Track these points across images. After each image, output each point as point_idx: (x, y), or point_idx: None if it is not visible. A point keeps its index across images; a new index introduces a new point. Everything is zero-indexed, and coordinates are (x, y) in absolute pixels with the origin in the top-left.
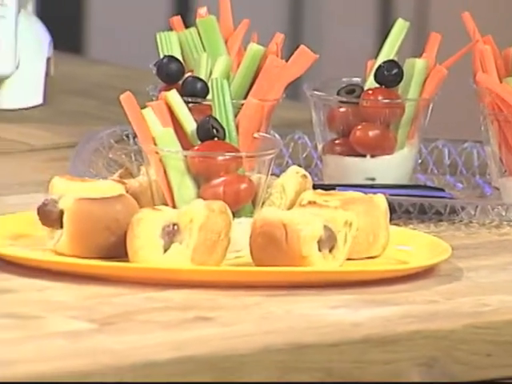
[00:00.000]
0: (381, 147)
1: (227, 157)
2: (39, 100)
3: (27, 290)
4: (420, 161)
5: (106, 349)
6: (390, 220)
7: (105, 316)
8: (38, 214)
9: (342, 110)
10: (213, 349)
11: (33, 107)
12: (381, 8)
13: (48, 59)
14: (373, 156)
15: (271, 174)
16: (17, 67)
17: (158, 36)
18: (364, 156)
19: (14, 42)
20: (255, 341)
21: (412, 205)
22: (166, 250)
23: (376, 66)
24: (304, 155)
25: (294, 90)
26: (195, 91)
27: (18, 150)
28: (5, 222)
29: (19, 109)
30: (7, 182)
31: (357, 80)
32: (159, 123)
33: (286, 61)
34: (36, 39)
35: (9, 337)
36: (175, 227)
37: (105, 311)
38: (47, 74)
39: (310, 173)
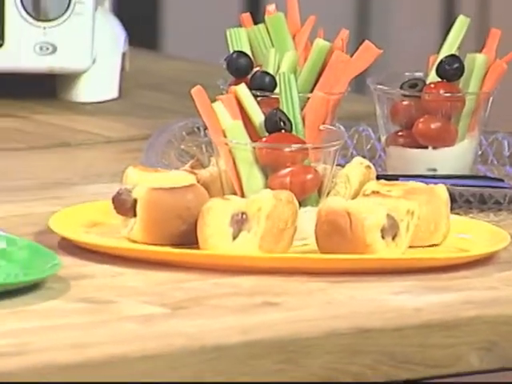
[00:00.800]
0: (442, 139)
1: (294, 148)
2: (115, 94)
3: (102, 276)
4: (480, 152)
5: (178, 332)
6: (451, 209)
7: (176, 301)
8: (113, 202)
9: (404, 103)
10: (279, 333)
11: (109, 101)
12: (444, 5)
13: (123, 54)
14: (434, 148)
15: (336, 165)
16: (93, 62)
17: (228, 32)
18: (426, 148)
19: (91, 38)
20: (320, 325)
21: (472, 195)
22: (234, 238)
23: (438, 60)
24: (368, 147)
25: (359, 84)
26: (263, 85)
27: (94, 142)
28: (82, 211)
29: (96, 102)
30: (84, 172)
31: (419, 74)
32: (229, 116)
33: (351, 56)
34: (112, 35)
35: (84, 321)
36: (244, 216)
37: (176, 296)
38: (123, 68)
39: (373, 164)
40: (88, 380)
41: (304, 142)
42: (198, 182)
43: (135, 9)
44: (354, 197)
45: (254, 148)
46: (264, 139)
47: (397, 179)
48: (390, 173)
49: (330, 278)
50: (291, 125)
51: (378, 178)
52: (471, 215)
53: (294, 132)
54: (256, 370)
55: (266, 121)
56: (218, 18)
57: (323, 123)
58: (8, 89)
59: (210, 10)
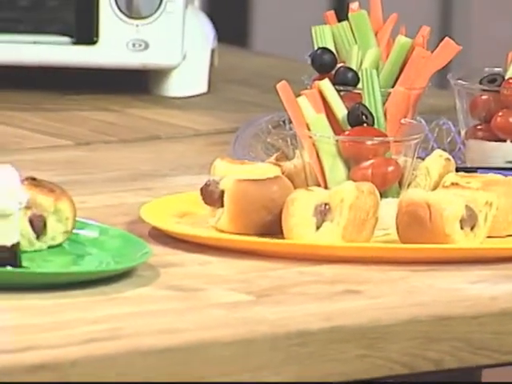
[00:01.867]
0: None
1: (376, 141)
2: (204, 88)
3: (190, 264)
4: None
5: (262, 319)
6: None
7: (261, 288)
8: (201, 193)
9: (483, 97)
10: (360, 320)
11: (198, 95)
12: None
13: (212, 51)
14: None
15: (417, 158)
16: (184, 58)
17: (313, 29)
18: (504, 141)
19: (182, 36)
20: (400, 312)
21: None
22: (318, 228)
23: None
24: (448, 140)
25: (440, 79)
26: (346, 80)
27: (184, 135)
28: (172, 201)
29: (185, 97)
30: (174, 164)
31: (498, 70)
32: (312, 110)
33: (432, 52)
34: (201, 33)
35: (174, 307)
36: (327, 206)
37: (261, 284)
38: (211, 64)
39: (453, 156)
40: (176, 364)
41: (385, 136)
42: (283, 173)
43: (226, 7)
44: (434, 188)
45: (337, 141)
46: (347, 132)
47: (475, 171)
48: (469, 165)
49: (410, 267)
50: (373, 119)
51: (458, 170)
52: None
53: (375, 126)
54: (338, 354)
55: (348, 115)
56: (305, 15)
57: (404, 117)
58: (102, 84)
59: (297, 8)
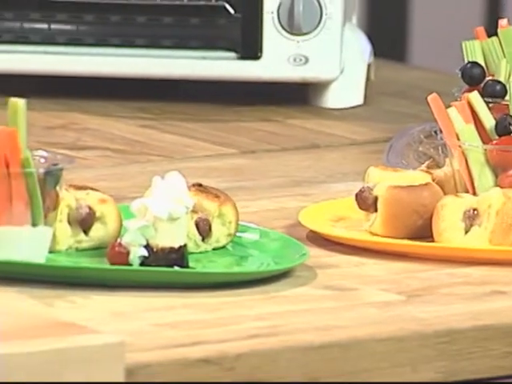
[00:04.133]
0: None
1: None
2: (360, 100)
3: (346, 266)
4: None
5: (412, 317)
6: None
7: (412, 289)
8: (356, 199)
9: None
10: (507, 319)
11: (354, 107)
12: None
13: (369, 65)
14: None
15: None
16: (341, 72)
17: (463, 44)
18: None
19: (339, 51)
20: None
21: None
22: (466, 232)
23: None
24: None
25: None
26: (495, 92)
27: (340, 144)
28: (328, 206)
29: (343, 108)
30: (331, 172)
31: None
32: (462, 120)
33: None
34: (358, 48)
35: (329, 306)
36: (475, 212)
37: (412, 285)
38: (368, 77)
39: None
40: (333, 359)
41: None
42: (434, 180)
43: (383, 24)
44: None
45: (486, 150)
46: (494, 142)
47: None
48: None
49: None
50: None
51: None
52: None
53: None
54: (485, 352)
55: (496, 125)
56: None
57: None
58: (265, 96)
59: (450, 24)
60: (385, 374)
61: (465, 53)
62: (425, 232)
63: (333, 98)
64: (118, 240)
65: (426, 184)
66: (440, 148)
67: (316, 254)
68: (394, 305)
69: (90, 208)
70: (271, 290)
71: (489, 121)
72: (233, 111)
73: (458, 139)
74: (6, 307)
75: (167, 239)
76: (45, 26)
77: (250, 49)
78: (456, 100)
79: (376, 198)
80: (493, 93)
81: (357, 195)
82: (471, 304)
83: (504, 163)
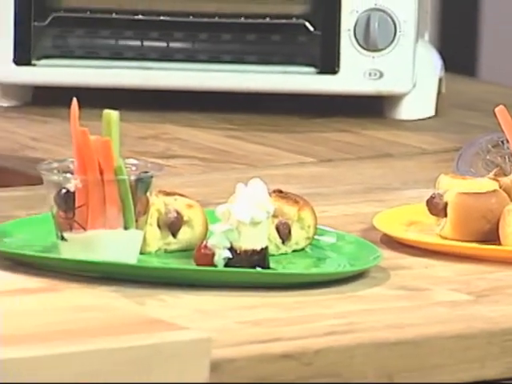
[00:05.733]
0: None
1: None
2: (432, 112)
3: (417, 267)
4: None
5: (480, 316)
6: None
7: (480, 289)
8: (427, 205)
9: None
10: None
11: (426, 118)
12: None
13: (440, 79)
14: None
15: None
16: (414, 86)
17: None
18: None
19: (412, 66)
20: None
21: None
22: None
23: None
24: None
25: None
26: None
27: (413, 153)
28: (401, 212)
29: (415, 120)
30: (404, 179)
31: None
32: None
33: None
34: (430, 63)
35: (402, 305)
36: None
37: (480, 285)
38: (439, 91)
39: None
40: (405, 356)
41: None
42: (501, 187)
43: (455, 41)
44: None
45: None
46: None
47: None
48: None
49: None
50: None
51: None
52: None
53: None
54: None
55: None
56: None
57: None
58: (342, 109)
59: None
60: (453, 370)
61: None
62: (492, 236)
63: (406, 110)
64: (204, 242)
65: (494, 191)
66: (507, 157)
67: (389, 256)
68: (462, 304)
69: (178, 212)
70: (347, 290)
71: None
72: (312, 123)
73: None
74: (102, 305)
75: (250, 242)
76: (138, 43)
77: (328, 64)
78: None
79: (446, 204)
80: None
81: (428, 201)
82: None
83: None
